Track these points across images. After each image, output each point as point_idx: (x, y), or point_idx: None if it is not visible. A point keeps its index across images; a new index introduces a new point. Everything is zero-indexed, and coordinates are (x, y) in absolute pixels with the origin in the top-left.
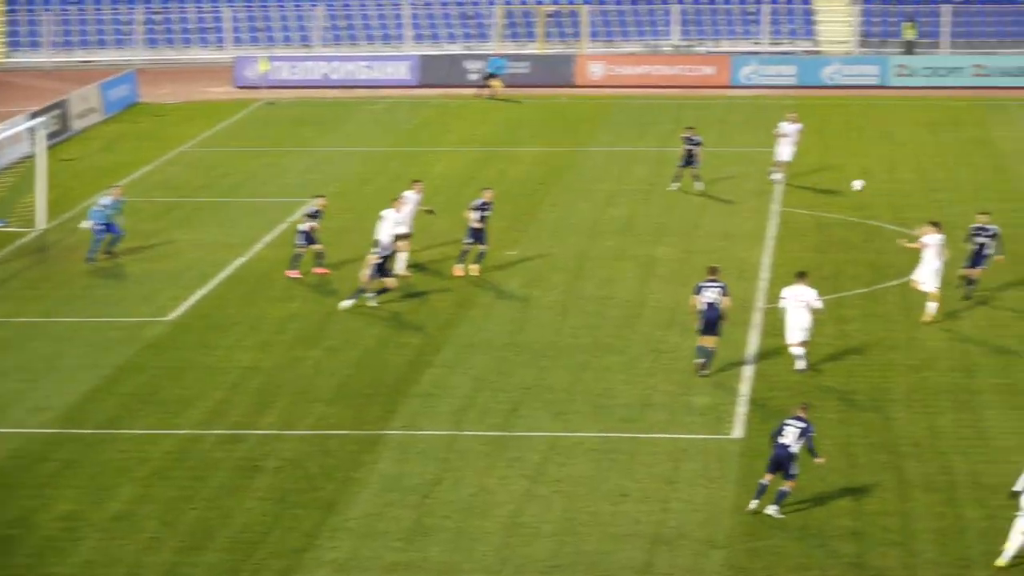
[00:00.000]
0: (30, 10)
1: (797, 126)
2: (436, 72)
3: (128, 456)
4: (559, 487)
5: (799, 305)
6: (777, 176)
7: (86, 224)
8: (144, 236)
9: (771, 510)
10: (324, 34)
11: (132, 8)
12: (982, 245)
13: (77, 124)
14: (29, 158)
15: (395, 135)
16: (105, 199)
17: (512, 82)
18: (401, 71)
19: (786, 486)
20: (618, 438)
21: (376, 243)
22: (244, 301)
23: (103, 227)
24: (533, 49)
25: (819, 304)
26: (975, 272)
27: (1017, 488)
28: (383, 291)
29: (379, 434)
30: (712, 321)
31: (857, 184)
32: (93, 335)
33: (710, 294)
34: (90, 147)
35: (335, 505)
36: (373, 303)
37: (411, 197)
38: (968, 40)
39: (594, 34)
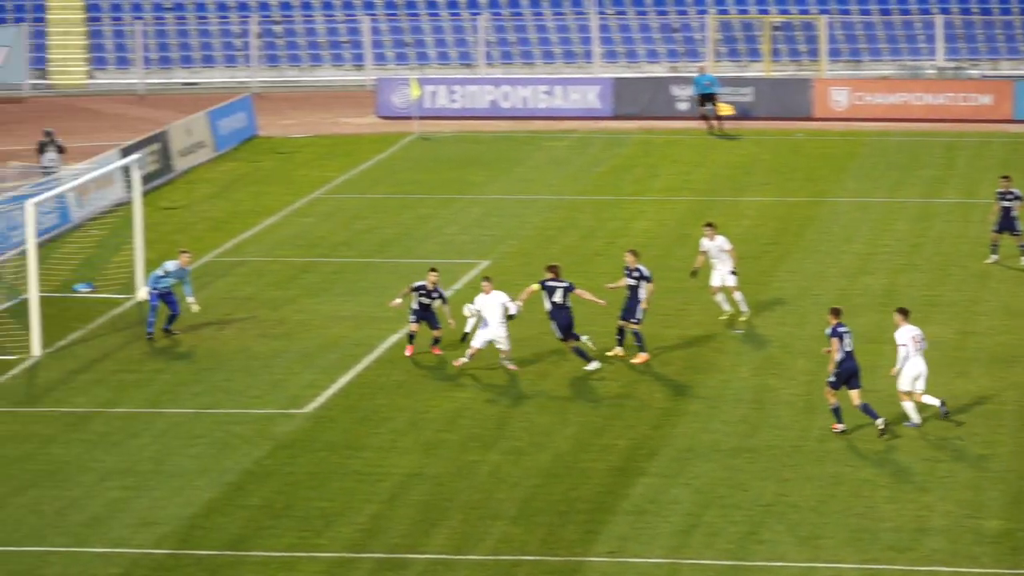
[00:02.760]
0: (116, 19)
1: None
2: (635, 99)
3: None
4: None
5: (918, 347)
6: None
7: (142, 293)
8: (271, 305)
9: None
10: (491, 51)
11: (246, 17)
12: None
13: (181, 163)
14: (122, 206)
15: (584, 180)
16: (170, 263)
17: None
18: (590, 98)
19: None
20: (887, 571)
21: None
22: (401, 390)
23: (157, 296)
24: (758, 71)
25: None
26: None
27: None
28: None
29: (579, 561)
30: (857, 369)
31: (470, 309)
32: (211, 431)
33: (849, 340)
34: (198, 192)
35: None
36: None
37: (707, 244)
38: None
39: (835, 53)
